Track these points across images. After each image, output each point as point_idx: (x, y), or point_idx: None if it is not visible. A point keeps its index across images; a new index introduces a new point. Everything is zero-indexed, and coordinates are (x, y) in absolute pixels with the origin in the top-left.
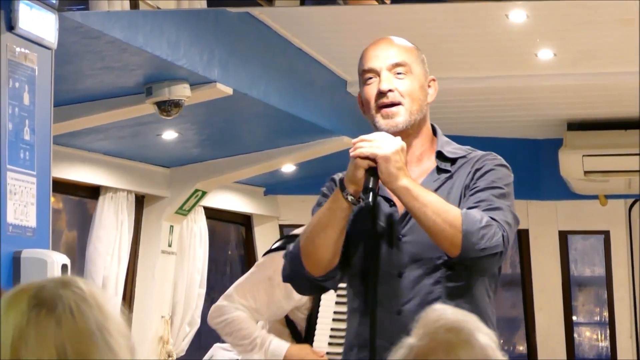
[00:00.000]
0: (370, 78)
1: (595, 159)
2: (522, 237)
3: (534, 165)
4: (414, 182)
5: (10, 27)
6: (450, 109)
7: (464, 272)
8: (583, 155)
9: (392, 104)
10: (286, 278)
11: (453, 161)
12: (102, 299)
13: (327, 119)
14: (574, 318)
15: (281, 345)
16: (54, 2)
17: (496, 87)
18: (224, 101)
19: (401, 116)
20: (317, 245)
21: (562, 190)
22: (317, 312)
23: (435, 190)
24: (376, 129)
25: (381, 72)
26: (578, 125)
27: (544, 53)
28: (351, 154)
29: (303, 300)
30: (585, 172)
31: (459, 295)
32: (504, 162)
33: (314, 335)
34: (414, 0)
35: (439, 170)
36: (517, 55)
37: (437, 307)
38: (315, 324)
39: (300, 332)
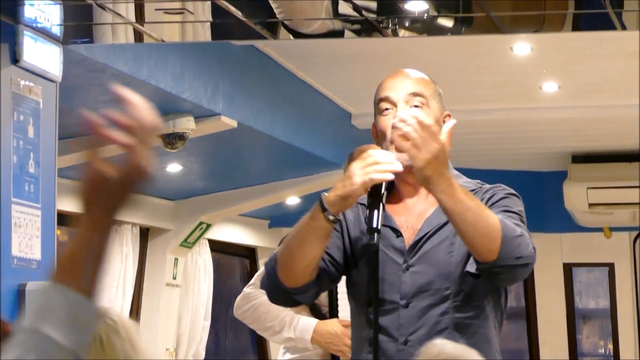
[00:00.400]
0: (387, 109)
1: (600, 192)
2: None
3: (538, 197)
4: (454, 185)
5: (15, 60)
6: (454, 141)
7: (472, 302)
8: (587, 188)
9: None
10: (262, 286)
11: None
12: (133, 333)
13: (332, 152)
14: (579, 350)
15: (310, 320)
16: (59, 35)
17: (500, 120)
18: (228, 134)
19: None
20: (293, 258)
21: (566, 223)
22: (336, 287)
23: (444, 225)
24: None
25: (398, 103)
26: (582, 158)
27: (548, 86)
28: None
29: None
30: (590, 205)
31: (467, 326)
32: (514, 192)
33: (337, 308)
34: (418, 33)
35: None
36: (521, 87)
37: (437, 342)
38: (337, 298)
39: (325, 314)
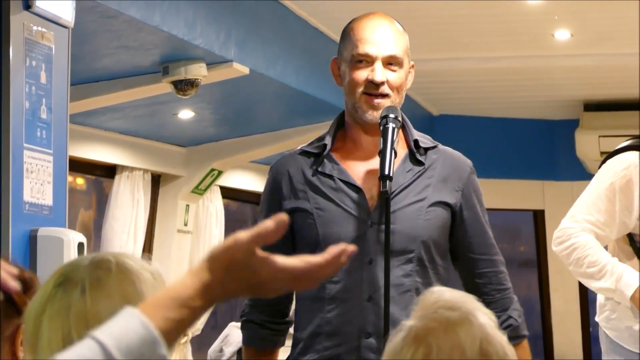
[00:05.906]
0: (362, 61)
1: (612, 140)
2: (538, 217)
3: (550, 145)
4: None
5: (27, 5)
6: (466, 89)
7: (433, 268)
8: (599, 136)
9: (381, 95)
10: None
11: (424, 151)
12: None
13: (343, 99)
14: (590, 299)
15: (635, 275)
16: None
17: (512, 68)
18: (240, 81)
19: None
20: None
21: (578, 171)
22: None
23: (409, 185)
24: (358, 114)
25: (376, 61)
26: (594, 106)
27: (560, 33)
28: None
29: None
30: (602, 153)
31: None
32: (475, 174)
33: None
34: None
35: (412, 159)
36: (533, 35)
37: (435, 289)
38: None
39: None
